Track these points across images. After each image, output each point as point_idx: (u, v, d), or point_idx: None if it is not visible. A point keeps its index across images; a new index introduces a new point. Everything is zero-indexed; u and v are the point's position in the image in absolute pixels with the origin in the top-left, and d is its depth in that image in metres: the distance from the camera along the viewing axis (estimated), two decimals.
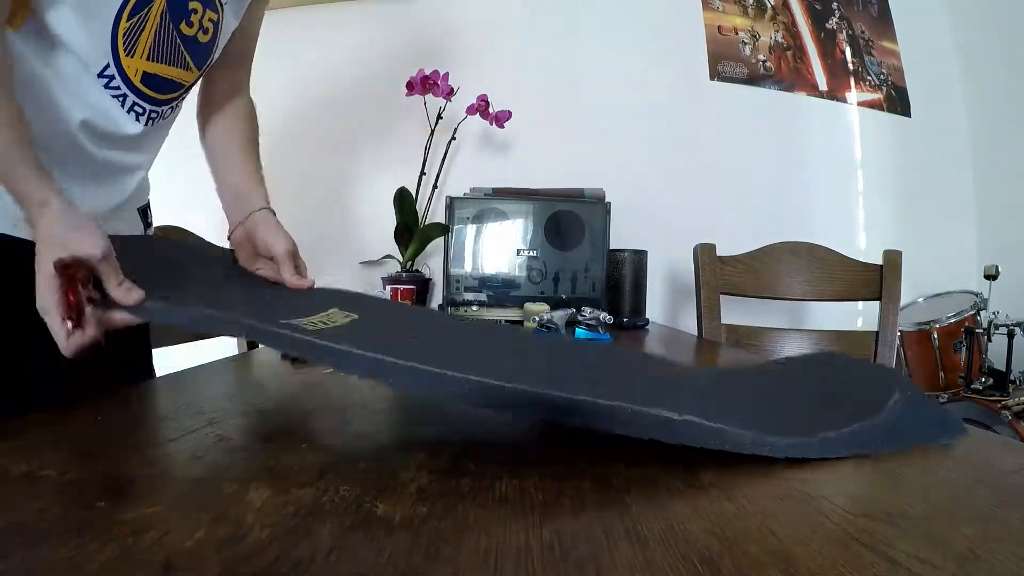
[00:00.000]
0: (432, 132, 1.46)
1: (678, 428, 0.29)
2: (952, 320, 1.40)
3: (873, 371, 0.40)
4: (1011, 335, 1.29)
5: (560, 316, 0.83)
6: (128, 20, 0.49)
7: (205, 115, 0.67)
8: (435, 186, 1.52)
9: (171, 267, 0.47)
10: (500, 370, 0.34)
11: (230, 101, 0.68)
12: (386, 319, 0.46)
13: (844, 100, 1.73)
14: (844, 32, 1.76)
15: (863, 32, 1.77)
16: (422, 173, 1.48)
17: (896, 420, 0.32)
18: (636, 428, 0.29)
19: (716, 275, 1.22)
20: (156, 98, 0.55)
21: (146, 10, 0.50)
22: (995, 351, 1.34)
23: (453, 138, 1.50)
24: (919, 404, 0.35)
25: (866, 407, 0.33)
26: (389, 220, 1.38)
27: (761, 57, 1.70)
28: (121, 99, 0.53)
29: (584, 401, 0.29)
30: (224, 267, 0.54)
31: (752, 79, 1.69)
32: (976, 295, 1.44)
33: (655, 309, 1.56)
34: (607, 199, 1.33)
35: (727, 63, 1.68)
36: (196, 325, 0.35)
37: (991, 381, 1.31)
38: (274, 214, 0.62)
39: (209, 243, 0.57)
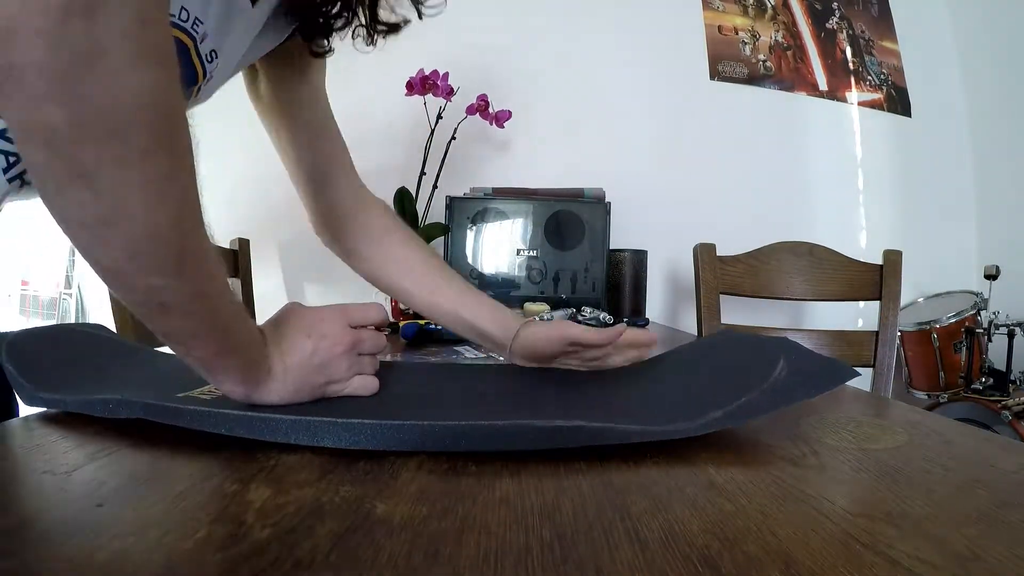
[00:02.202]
0: (432, 132, 1.46)
1: (569, 433, 0.31)
2: (952, 320, 1.40)
3: (760, 343, 0.44)
4: (1011, 335, 1.29)
5: (560, 316, 0.83)
6: None
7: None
8: (435, 186, 1.52)
9: (67, 357, 0.46)
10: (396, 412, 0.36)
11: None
12: None
13: (844, 100, 1.73)
14: (844, 32, 1.76)
15: (863, 32, 1.77)
16: (422, 173, 1.48)
17: (784, 381, 0.35)
18: (532, 441, 0.31)
19: (716, 275, 1.22)
20: None
21: None
22: (995, 351, 1.34)
23: (453, 138, 1.51)
24: (804, 360, 0.38)
25: (754, 378, 0.36)
26: None
27: (761, 57, 1.70)
28: None
29: (472, 425, 0.31)
30: (122, 353, 0.51)
31: (752, 79, 1.69)
32: (976, 295, 1.44)
33: (655, 309, 1.56)
34: (607, 199, 1.33)
35: (727, 63, 1.68)
36: (91, 411, 0.35)
37: (991, 381, 1.31)
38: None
39: (110, 332, 0.54)
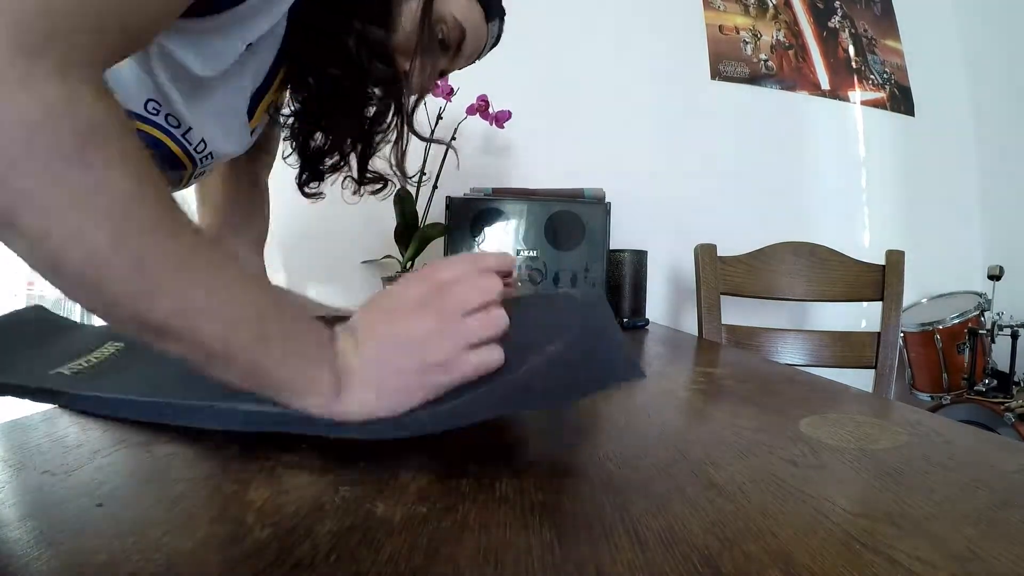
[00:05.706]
0: (432, 132, 1.46)
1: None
2: (956, 321, 1.39)
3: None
4: (1015, 336, 1.29)
5: None
6: None
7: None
8: (435, 186, 1.52)
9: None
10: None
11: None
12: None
13: (847, 99, 1.73)
14: (847, 31, 1.75)
15: (866, 31, 1.77)
16: (422, 173, 1.48)
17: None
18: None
19: (716, 275, 1.21)
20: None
21: None
22: (999, 352, 1.34)
23: (453, 138, 1.50)
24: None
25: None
26: (389, 220, 1.38)
27: (763, 56, 1.69)
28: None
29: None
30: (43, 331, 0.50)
31: (754, 78, 1.68)
32: (980, 296, 1.44)
33: (655, 309, 1.56)
34: (607, 199, 1.32)
35: (728, 62, 1.68)
36: None
37: (995, 383, 1.30)
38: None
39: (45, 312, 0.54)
